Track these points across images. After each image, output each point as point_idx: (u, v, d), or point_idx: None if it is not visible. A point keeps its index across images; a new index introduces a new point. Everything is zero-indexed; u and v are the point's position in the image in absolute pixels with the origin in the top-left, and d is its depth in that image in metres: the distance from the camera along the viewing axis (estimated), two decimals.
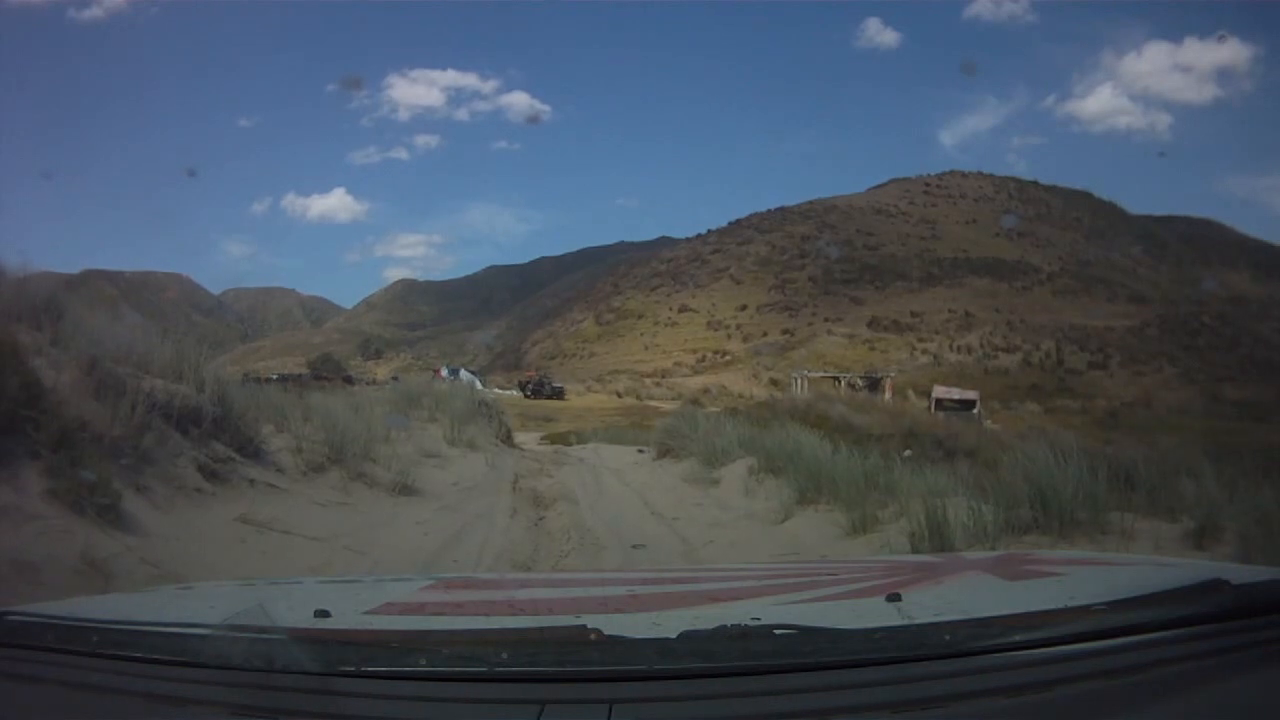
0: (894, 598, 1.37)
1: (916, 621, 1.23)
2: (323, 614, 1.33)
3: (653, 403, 53.29)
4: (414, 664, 1.08)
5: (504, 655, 1.08)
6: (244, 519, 5.82)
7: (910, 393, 51.68)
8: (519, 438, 18.67)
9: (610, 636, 1.14)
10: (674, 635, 1.13)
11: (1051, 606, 1.27)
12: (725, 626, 1.15)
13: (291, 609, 1.37)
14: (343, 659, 1.08)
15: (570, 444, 21.37)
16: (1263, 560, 4.21)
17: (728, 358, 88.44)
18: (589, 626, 1.18)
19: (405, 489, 8.03)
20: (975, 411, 41.74)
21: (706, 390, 64.65)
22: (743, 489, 8.86)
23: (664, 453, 13.10)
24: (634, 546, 6.20)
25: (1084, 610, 1.22)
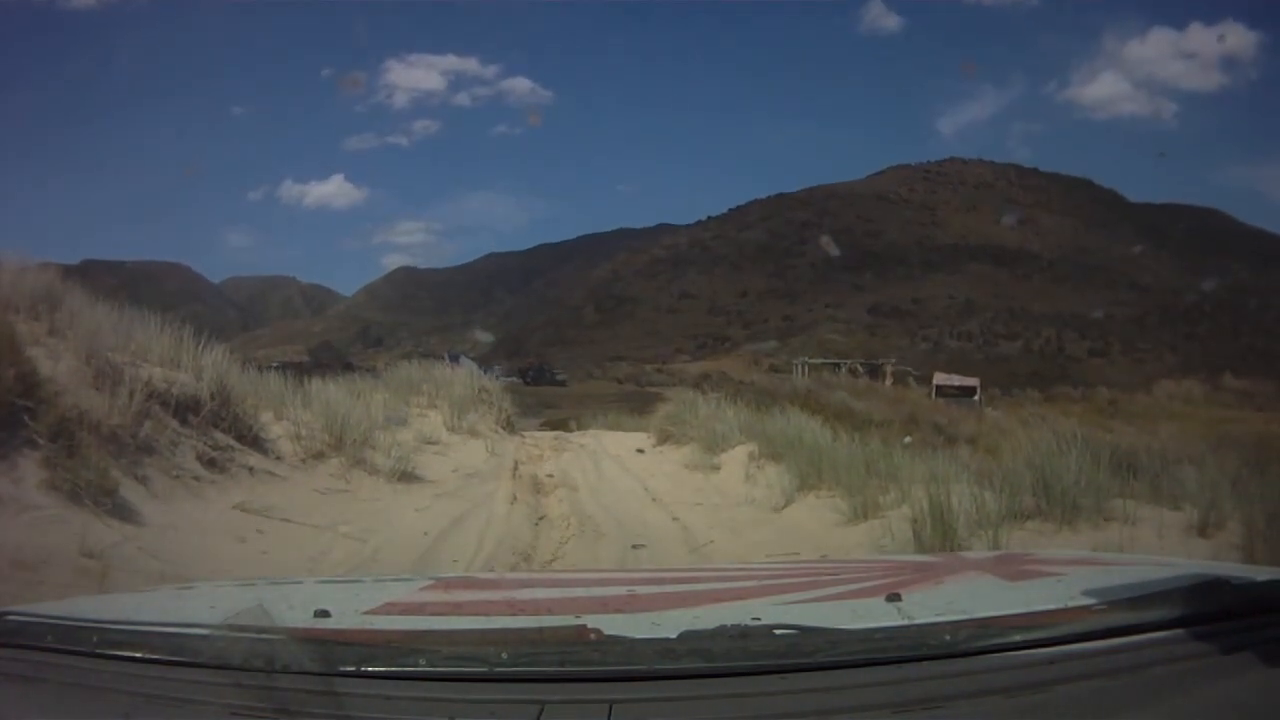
0: (894, 598, 1.37)
1: (916, 621, 1.22)
2: (323, 614, 1.33)
3: (653, 389, 53.30)
4: (414, 664, 1.08)
5: (504, 655, 1.08)
6: (243, 507, 5.83)
7: (911, 380, 51.79)
8: (519, 424, 18.68)
9: (610, 636, 1.14)
10: (674, 635, 1.13)
11: (1051, 606, 1.27)
12: (725, 626, 1.15)
13: (291, 609, 1.37)
14: (343, 659, 1.08)
15: (571, 430, 21.33)
16: (1265, 549, 4.23)
17: (728, 344, 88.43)
18: (589, 626, 1.18)
19: (405, 475, 8.04)
20: (976, 398, 41.87)
21: (707, 376, 64.66)
22: (743, 475, 8.87)
23: (664, 439, 13.10)
24: (634, 547, 6.00)
25: (1084, 610, 1.22)
